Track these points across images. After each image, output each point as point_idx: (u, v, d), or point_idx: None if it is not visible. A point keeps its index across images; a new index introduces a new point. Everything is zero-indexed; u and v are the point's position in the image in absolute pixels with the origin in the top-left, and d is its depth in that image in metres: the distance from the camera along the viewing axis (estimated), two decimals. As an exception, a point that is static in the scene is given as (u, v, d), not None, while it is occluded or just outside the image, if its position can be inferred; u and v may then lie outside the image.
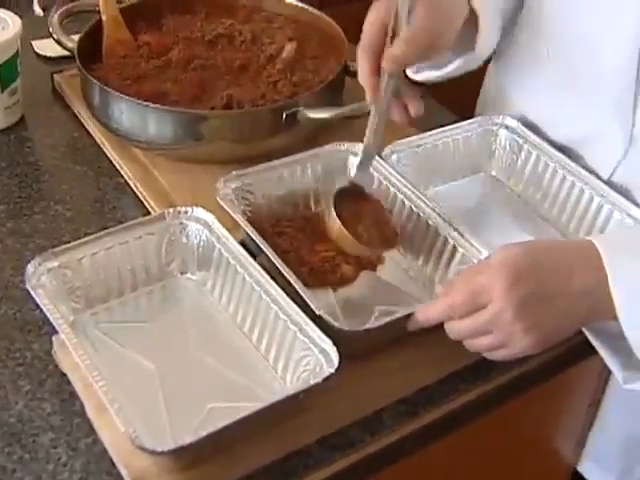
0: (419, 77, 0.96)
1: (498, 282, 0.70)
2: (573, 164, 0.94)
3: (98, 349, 0.77)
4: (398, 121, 0.84)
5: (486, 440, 0.86)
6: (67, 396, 0.75)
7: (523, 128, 0.98)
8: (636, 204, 0.88)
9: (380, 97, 0.80)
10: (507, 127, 0.99)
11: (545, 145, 0.96)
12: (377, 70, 0.80)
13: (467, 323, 0.72)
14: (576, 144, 0.96)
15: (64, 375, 0.76)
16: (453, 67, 0.92)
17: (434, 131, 0.97)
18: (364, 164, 0.84)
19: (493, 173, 1.01)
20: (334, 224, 0.80)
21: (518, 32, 1.02)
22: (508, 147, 0.99)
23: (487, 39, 0.91)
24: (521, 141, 0.98)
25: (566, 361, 0.84)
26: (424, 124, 0.99)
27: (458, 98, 1.11)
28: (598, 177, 0.92)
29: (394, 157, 0.92)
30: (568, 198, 0.93)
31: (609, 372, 0.81)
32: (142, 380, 0.74)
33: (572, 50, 0.93)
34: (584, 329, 0.78)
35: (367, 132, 0.83)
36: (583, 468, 1.09)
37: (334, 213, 0.80)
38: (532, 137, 0.97)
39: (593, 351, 0.84)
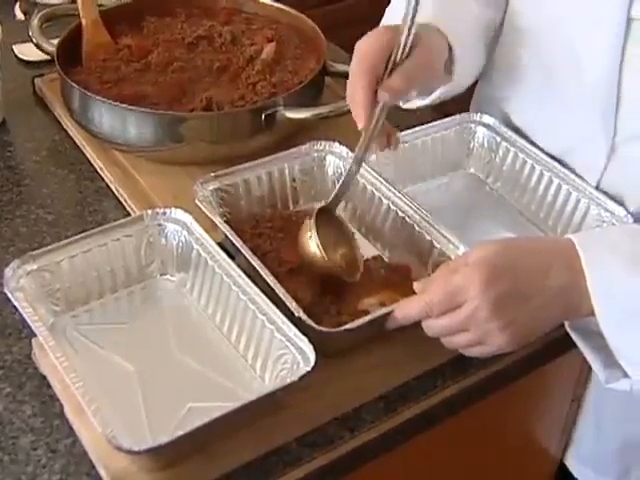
0: (407, 106, 0.96)
1: (474, 281, 0.70)
2: (550, 160, 0.94)
3: (78, 351, 0.77)
4: (380, 150, 0.85)
5: (467, 435, 0.87)
6: (47, 398, 0.76)
7: (500, 126, 0.99)
8: (616, 201, 0.89)
9: (370, 127, 0.80)
10: (485, 125, 1.00)
11: (522, 142, 0.97)
12: (372, 100, 0.79)
13: (444, 321, 0.73)
14: (560, 153, 0.96)
15: (44, 377, 0.77)
16: (436, 95, 0.93)
17: (413, 129, 0.97)
18: (341, 191, 0.84)
19: (472, 170, 1.02)
20: (310, 245, 0.80)
21: (501, 40, 1.02)
22: (486, 144, 1.00)
23: (465, 68, 0.92)
24: (499, 139, 0.99)
25: (545, 356, 0.85)
26: (405, 122, 1.00)
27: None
28: (575, 173, 0.93)
29: (373, 156, 0.92)
30: (546, 194, 0.94)
31: (589, 368, 0.82)
32: (121, 381, 0.75)
33: (554, 59, 0.93)
34: (567, 328, 0.79)
35: (353, 160, 0.82)
36: (578, 473, 1.09)
37: (315, 236, 0.80)
38: (510, 134, 0.98)
39: (572, 346, 0.85)
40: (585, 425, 1.05)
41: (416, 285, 0.76)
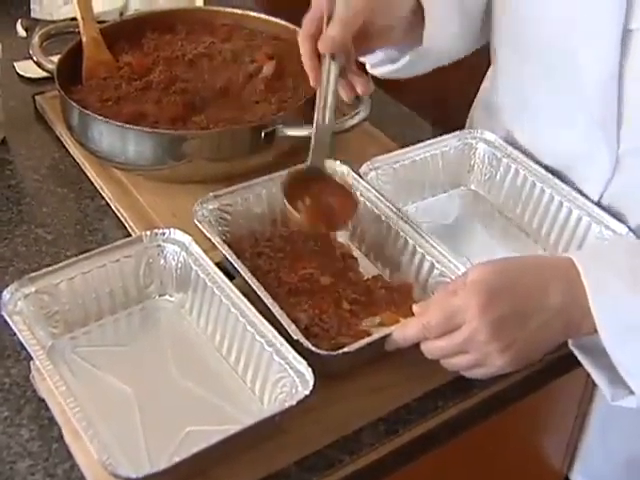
0: (377, 72, 0.99)
1: (472, 303, 0.70)
2: (551, 177, 0.94)
3: (76, 374, 0.77)
4: (346, 99, 0.87)
5: (469, 456, 0.86)
6: (45, 422, 0.75)
7: (501, 142, 0.98)
8: (617, 218, 0.88)
9: (322, 79, 0.83)
10: (486, 141, 0.99)
11: (524, 158, 0.96)
12: (317, 54, 0.83)
13: (442, 343, 0.72)
14: (564, 167, 0.96)
15: (42, 400, 0.76)
16: (406, 60, 0.94)
17: (412, 147, 0.97)
18: (318, 147, 0.85)
19: (473, 187, 1.01)
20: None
21: (497, 52, 1.02)
22: (487, 161, 0.99)
23: (435, 31, 0.91)
24: (499, 154, 0.98)
25: (547, 376, 0.84)
26: (404, 139, 0.99)
27: (446, 114, 1.11)
28: (578, 191, 0.92)
29: (372, 174, 0.92)
30: (547, 211, 0.93)
31: (594, 385, 0.81)
32: (119, 404, 0.74)
33: (555, 73, 0.92)
34: (571, 346, 0.78)
35: (315, 114, 0.84)
36: None
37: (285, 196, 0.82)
38: (510, 150, 0.97)
39: (574, 366, 0.84)
40: (591, 441, 1.04)
41: (415, 307, 0.76)
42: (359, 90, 0.86)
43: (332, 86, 0.83)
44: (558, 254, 0.90)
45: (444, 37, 0.95)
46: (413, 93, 1.06)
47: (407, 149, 0.96)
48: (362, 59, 0.99)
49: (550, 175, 0.94)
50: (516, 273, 0.73)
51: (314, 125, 0.84)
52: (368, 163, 0.93)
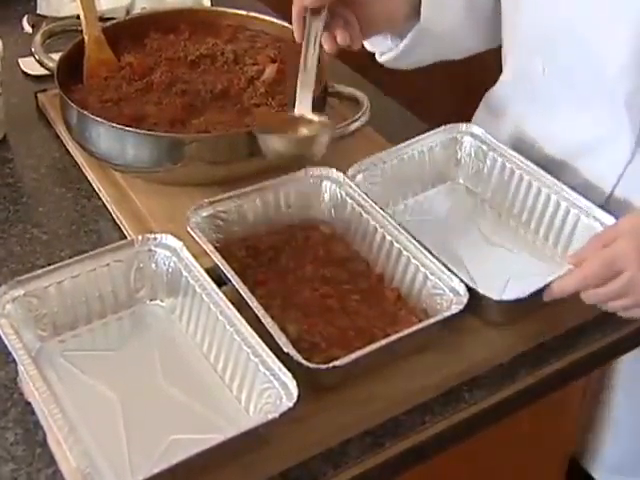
0: (384, 60, 1.04)
1: (629, 249, 0.74)
2: (538, 169, 0.93)
3: (62, 378, 0.76)
4: (328, 50, 0.92)
5: (455, 471, 0.85)
6: (31, 425, 0.75)
7: (488, 135, 0.98)
8: (601, 207, 0.89)
9: (306, 33, 0.90)
10: (472, 134, 0.99)
11: (510, 151, 0.96)
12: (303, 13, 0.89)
13: (603, 291, 0.76)
14: (579, 155, 0.97)
15: (29, 404, 0.76)
16: (406, 43, 0.98)
17: (399, 145, 0.97)
18: (303, 97, 0.91)
19: (461, 181, 1.01)
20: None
21: (509, 51, 1.03)
22: (473, 154, 0.99)
23: (433, 11, 0.95)
24: (486, 148, 0.98)
25: (538, 391, 0.83)
26: (395, 135, 0.99)
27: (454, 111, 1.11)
28: (571, 187, 0.92)
29: (360, 176, 0.92)
30: (535, 204, 0.93)
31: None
32: (104, 410, 0.74)
33: (570, 61, 0.93)
34: None
35: (300, 71, 0.91)
36: (601, 477, 1.10)
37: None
38: (497, 144, 0.97)
39: (567, 381, 0.84)
40: (608, 432, 1.05)
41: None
42: (339, 39, 0.91)
43: (314, 38, 0.90)
44: None
45: (443, 19, 0.98)
46: (408, 93, 1.08)
47: (394, 148, 0.96)
48: (371, 48, 1.04)
49: (536, 167, 0.94)
50: None
51: (299, 80, 0.92)
52: (356, 165, 0.92)
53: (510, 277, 0.86)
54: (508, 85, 1.07)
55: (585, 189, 0.94)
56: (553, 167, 0.98)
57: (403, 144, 0.96)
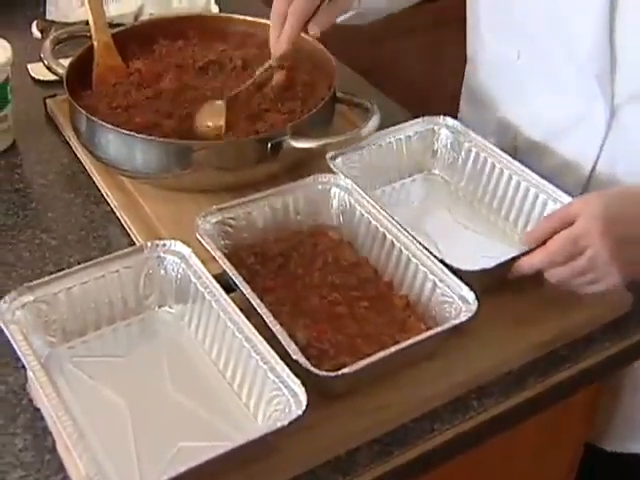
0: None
1: (592, 229, 0.78)
2: (510, 159, 0.96)
3: (71, 384, 0.76)
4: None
5: (464, 479, 0.85)
6: (40, 431, 0.75)
7: (464, 127, 1.01)
8: (569, 193, 0.91)
9: None
10: (448, 126, 1.01)
11: (485, 142, 0.99)
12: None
13: (566, 268, 0.80)
14: (556, 135, 1.02)
15: (37, 410, 0.76)
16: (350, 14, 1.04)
17: (378, 133, 0.98)
18: None
19: (436, 172, 1.03)
20: None
21: (486, 35, 1.08)
22: (449, 146, 1.01)
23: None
24: (462, 139, 1.00)
25: (546, 400, 0.83)
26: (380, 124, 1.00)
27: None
28: (553, 167, 0.98)
29: (339, 160, 0.94)
30: (506, 192, 0.96)
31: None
32: (113, 417, 0.74)
33: (544, 43, 0.98)
34: None
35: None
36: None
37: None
38: (472, 135, 1.00)
39: (575, 389, 0.84)
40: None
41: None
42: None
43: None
44: None
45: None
46: (398, 87, 1.09)
47: (374, 135, 0.98)
48: None
49: (510, 158, 0.96)
50: (624, 201, 0.82)
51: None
52: (335, 150, 0.94)
53: (480, 258, 0.86)
54: (484, 74, 1.12)
55: (568, 167, 1.01)
56: (536, 150, 1.04)
57: (381, 132, 0.99)
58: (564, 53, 0.96)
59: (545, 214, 0.92)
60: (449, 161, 1.02)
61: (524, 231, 0.92)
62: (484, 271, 0.81)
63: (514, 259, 0.83)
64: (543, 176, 0.93)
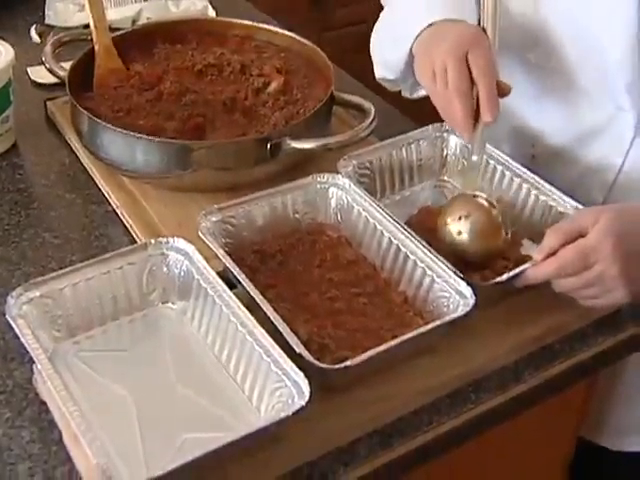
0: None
1: (604, 245, 0.78)
2: (519, 166, 0.96)
3: (77, 378, 0.78)
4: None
5: (462, 471, 0.87)
6: (46, 424, 0.76)
7: None
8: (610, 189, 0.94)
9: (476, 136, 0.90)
10: (456, 133, 1.01)
11: (494, 149, 0.99)
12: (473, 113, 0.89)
13: (574, 280, 0.80)
14: (579, 142, 1.01)
15: (44, 403, 0.77)
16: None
17: (387, 141, 1.00)
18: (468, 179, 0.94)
19: (446, 178, 1.04)
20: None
21: (504, 44, 1.04)
22: (459, 152, 1.02)
23: None
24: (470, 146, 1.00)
25: (541, 393, 0.85)
26: (384, 134, 1.02)
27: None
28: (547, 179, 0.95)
29: (349, 168, 0.95)
30: (516, 199, 0.96)
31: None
32: (119, 410, 0.75)
33: (570, 54, 0.96)
34: None
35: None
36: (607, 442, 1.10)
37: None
38: None
39: (570, 383, 0.86)
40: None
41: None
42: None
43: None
44: None
45: None
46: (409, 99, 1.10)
47: (382, 143, 0.99)
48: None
49: (519, 165, 0.97)
50: (636, 217, 0.82)
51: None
52: (345, 157, 0.95)
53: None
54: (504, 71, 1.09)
55: (590, 175, 0.99)
56: (557, 158, 1.03)
57: (392, 140, 1.00)
58: (593, 64, 0.95)
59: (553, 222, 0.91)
60: (458, 168, 1.02)
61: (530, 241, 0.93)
62: (497, 284, 0.82)
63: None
64: (555, 185, 0.93)
